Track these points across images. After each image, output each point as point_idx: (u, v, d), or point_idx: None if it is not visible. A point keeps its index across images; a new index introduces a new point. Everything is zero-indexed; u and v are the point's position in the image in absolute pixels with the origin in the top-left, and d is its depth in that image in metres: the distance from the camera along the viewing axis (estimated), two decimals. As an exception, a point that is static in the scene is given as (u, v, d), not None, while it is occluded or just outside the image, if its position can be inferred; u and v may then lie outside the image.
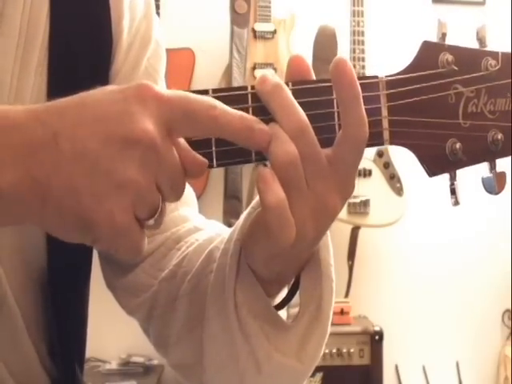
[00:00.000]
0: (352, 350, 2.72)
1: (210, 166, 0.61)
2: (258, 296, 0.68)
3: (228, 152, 0.61)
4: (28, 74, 0.77)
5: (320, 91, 0.62)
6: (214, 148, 0.61)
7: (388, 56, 2.78)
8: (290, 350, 0.69)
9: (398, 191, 2.90)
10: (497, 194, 0.61)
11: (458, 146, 0.61)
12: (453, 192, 0.63)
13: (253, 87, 0.63)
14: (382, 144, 0.62)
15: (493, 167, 0.62)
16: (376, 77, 0.63)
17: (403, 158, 2.79)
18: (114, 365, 2.81)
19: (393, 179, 2.90)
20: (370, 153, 2.89)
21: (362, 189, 2.85)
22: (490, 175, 0.62)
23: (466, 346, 3.14)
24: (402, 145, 0.62)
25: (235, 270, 0.69)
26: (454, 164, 0.62)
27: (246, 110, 0.62)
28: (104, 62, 0.82)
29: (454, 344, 3.13)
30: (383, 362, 2.77)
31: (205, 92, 0.63)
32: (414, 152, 0.62)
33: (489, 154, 0.62)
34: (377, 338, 2.75)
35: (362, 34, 2.87)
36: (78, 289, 0.86)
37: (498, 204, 3.08)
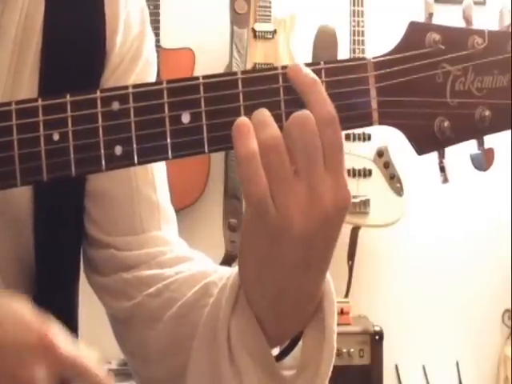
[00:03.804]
0: (352, 350, 2.72)
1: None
2: (254, 332, 0.68)
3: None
4: (20, 84, 0.77)
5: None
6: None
7: (388, 56, 2.78)
8: None
9: (398, 191, 2.90)
10: (485, 170, 0.61)
11: (446, 124, 0.62)
12: (442, 170, 0.64)
13: (243, 72, 0.64)
14: (371, 124, 0.63)
15: (481, 144, 0.62)
16: (364, 58, 0.64)
17: (403, 158, 2.79)
18: (113, 365, 2.81)
19: (393, 179, 2.90)
20: (369, 153, 2.89)
21: (362, 189, 2.85)
22: (478, 152, 0.62)
23: (466, 346, 3.14)
24: (391, 125, 0.63)
25: (232, 302, 0.69)
26: (443, 142, 0.63)
27: (237, 95, 0.63)
28: (95, 73, 0.83)
29: (454, 344, 3.13)
30: (383, 362, 2.77)
31: (195, 78, 0.64)
32: (403, 131, 0.63)
33: (477, 131, 0.63)
34: (377, 337, 2.75)
35: (362, 33, 2.87)
36: (65, 290, 0.87)
37: (497, 204, 3.09)
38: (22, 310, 0.62)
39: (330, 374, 0.68)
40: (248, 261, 0.66)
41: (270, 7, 2.88)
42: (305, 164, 0.61)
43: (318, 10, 2.99)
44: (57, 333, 0.61)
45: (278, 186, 0.61)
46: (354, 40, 2.88)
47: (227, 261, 2.66)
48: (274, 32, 2.91)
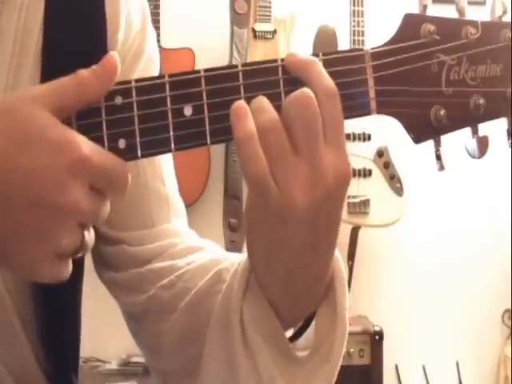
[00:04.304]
0: (352, 350, 2.72)
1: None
2: (266, 314, 0.68)
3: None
4: (20, 86, 0.77)
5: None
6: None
7: (387, 56, 2.78)
8: (296, 383, 0.69)
9: (398, 191, 2.90)
10: (479, 158, 0.62)
11: (442, 112, 0.63)
12: (438, 158, 0.65)
13: (243, 65, 0.65)
14: (370, 113, 0.64)
15: (475, 132, 0.64)
16: (362, 49, 0.66)
17: (403, 158, 2.80)
18: (114, 365, 2.81)
19: (393, 179, 2.90)
20: (370, 153, 2.90)
21: (362, 189, 2.86)
22: (472, 140, 0.63)
23: (466, 346, 3.14)
24: (389, 113, 0.64)
25: (244, 286, 0.69)
26: (439, 130, 0.64)
27: (238, 88, 0.64)
28: None
29: (454, 344, 3.13)
30: (383, 362, 2.77)
31: (197, 72, 0.65)
32: (400, 120, 0.64)
33: (471, 119, 0.64)
34: (377, 337, 2.75)
35: (362, 34, 2.88)
36: (68, 291, 0.85)
37: (497, 204, 3.09)
38: (47, 124, 0.59)
39: (343, 352, 0.69)
40: (255, 245, 0.67)
41: (270, 7, 2.89)
42: (304, 142, 0.61)
43: (318, 10, 3.00)
44: (84, 143, 0.59)
45: (278, 166, 0.61)
46: (354, 40, 2.88)
47: (227, 260, 2.66)
48: (274, 32, 2.91)
